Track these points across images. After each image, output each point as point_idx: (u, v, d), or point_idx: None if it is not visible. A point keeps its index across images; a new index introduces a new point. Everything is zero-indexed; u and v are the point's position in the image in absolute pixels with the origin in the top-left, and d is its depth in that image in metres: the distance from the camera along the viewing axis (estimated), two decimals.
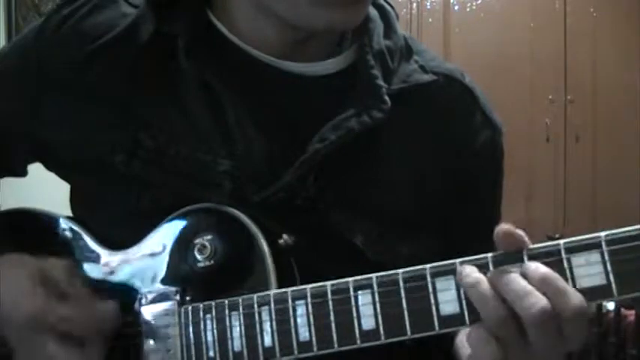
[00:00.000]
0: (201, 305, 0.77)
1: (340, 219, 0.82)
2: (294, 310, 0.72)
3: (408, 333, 0.68)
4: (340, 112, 0.81)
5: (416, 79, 0.86)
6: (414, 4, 3.78)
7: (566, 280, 0.64)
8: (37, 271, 0.80)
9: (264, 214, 0.79)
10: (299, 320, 0.71)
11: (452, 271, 0.67)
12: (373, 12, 0.87)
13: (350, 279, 0.70)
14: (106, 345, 0.80)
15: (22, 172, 0.97)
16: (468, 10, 3.81)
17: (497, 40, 3.74)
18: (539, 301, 0.62)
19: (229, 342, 0.75)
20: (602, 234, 0.63)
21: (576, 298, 0.63)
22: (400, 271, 0.68)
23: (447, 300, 0.67)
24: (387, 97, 0.82)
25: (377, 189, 0.84)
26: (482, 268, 0.66)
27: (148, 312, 0.80)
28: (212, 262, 0.78)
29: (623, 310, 2.64)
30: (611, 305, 2.65)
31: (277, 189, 0.80)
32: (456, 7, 3.82)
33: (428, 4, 3.81)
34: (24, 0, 3.31)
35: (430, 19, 3.81)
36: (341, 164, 0.81)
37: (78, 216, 0.91)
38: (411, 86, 0.85)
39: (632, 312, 2.58)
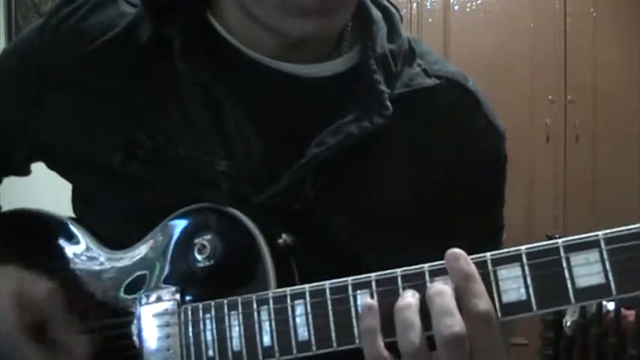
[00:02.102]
0: (200, 305, 0.77)
1: (339, 224, 0.81)
2: (293, 310, 0.72)
3: None
4: (340, 116, 0.80)
5: (419, 83, 0.85)
6: (414, 4, 3.79)
7: (564, 279, 0.64)
8: (18, 289, 0.80)
9: (263, 216, 0.78)
10: (298, 320, 0.71)
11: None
12: (377, 14, 0.87)
13: (349, 278, 0.70)
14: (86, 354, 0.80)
15: (25, 172, 0.97)
16: (467, 10, 3.81)
17: (498, 40, 3.74)
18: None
19: (228, 341, 0.75)
20: (601, 233, 0.63)
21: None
22: (398, 270, 0.68)
23: None
24: (388, 103, 0.81)
25: (377, 194, 0.83)
26: (480, 267, 0.66)
27: (148, 311, 0.80)
28: (212, 261, 0.78)
29: (623, 310, 2.64)
30: (611, 305, 2.65)
31: (275, 192, 0.79)
32: (456, 7, 3.82)
33: (428, 4, 3.82)
34: (24, 0, 3.31)
35: (430, 19, 3.81)
36: (340, 169, 0.81)
37: (79, 215, 0.91)
38: (414, 90, 0.84)
39: (632, 312, 2.58)
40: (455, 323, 0.63)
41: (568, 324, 2.76)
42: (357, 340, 0.69)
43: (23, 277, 0.81)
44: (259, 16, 0.77)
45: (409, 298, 0.66)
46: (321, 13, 0.75)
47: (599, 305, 2.61)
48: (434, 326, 0.64)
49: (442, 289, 0.65)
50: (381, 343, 0.66)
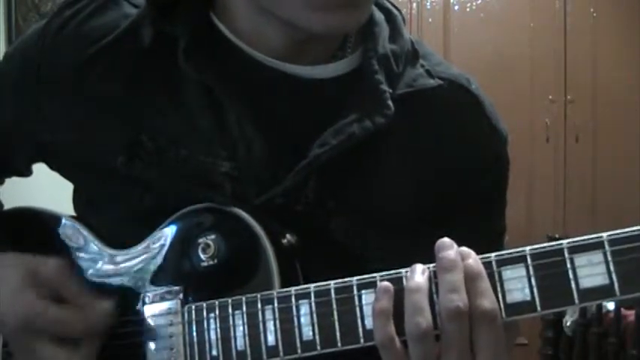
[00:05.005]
0: (204, 304, 0.77)
1: (341, 224, 0.81)
2: (298, 309, 0.72)
3: None
4: (342, 117, 0.80)
5: (421, 83, 0.85)
6: (414, 4, 3.79)
7: (569, 280, 0.64)
8: (28, 271, 0.81)
9: (265, 216, 0.78)
10: (302, 319, 0.71)
11: None
12: (379, 15, 0.87)
13: (354, 278, 0.70)
14: (102, 343, 0.80)
15: (26, 172, 0.97)
16: (467, 10, 3.82)
17: (497, 40, 3.75)
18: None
19: (232, 341, 0.75)
20: (605, 234, 0.64)
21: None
22: (403, 270, 0.69)
23: None
24: (390, 103, 0.81)
25: (378, 195, 0.83)
26: (485, 267, 0.66)
27: (151, 311, 0.80)
28: (215, 261, 0.78)
29: (623, 310, 2.64)
30: (611, 305, 2.65)
31: (277, 193, 0.79)
32: (456, 7, 3.82)
33: (428, 4, 3.82)
34: (24, 0, 3.32)
35: (430, 19, 3.82)
36: (342, 169, 0.81)
37: (80, 215, 0.91)
38: (416, 91, 0.84)
39: (632, 312, 2.59)
40: (460, 299, 0.65)
41: (568, 324, 2.76)
42: (361, 340, 0.69)
43: (33, 261, 0.82)
44: (279, 13, 0.77)
45: (419, 278, 0.67)
46: (345, 8, 0.75)
47: (599, 305, 2.61)
48: (440, 300, 0.66)
49: (453, 265, 0.66)
50: (392, 326, 0.67)
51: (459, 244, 0.68)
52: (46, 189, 1.32)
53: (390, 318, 0.67)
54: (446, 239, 0.68)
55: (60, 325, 0.79)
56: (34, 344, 0.79)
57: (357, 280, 0.70)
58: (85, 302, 0.80)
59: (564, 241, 0.65)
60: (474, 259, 0.67)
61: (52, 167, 0.91)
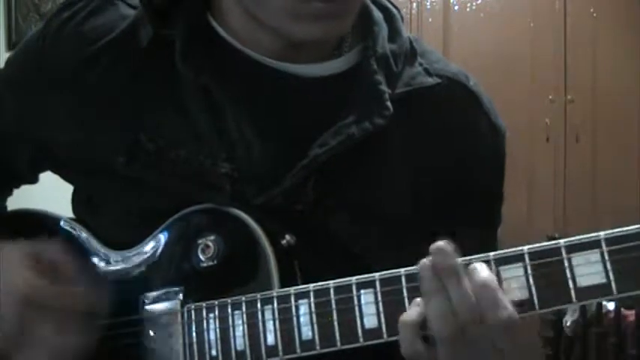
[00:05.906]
0: (204, 304, 0.77)
1: (340, 224, 0.82)
2: (297, 309, 0.72)
3: None
4: (341, 116, 0.81)
5: (420, 82, 0.85)
6: (414, 4, 3.78)
7: (566, 278, 0.64)
8: (28, 253, 0.80)
9: (265, 217, 0.79)
10: (302, 319, 0.72)
11: None
12: (378, 15, 0.87)
13: (353, 278, 0.71)
14: (100, 322, 0.80)
15: (30, 177, 0.97)
16: (467, 10, 3.81)
17: (497, 40, 3.74)
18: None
19: (232, 341, 0.75)
20: (602, 233, 0.64)
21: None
22: (402, 270, 0.69)
23: None
24: (389, 103, 0.81)
25: (378, 194, 0.83)
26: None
27: (151, 311, 0.80)
28: (215, 262, 0.78)
29: (623, 310, 2.64)
30: (611, 305, 2.65)
31: (277, 193, 0.80)
32: (456, 7, 3.82)
33: (428, 4, 3.81)
34: (24, 0, 3.32)
35: (430, 19, 3.81)
36: (341, 169, 0.81)
37: (80, 216, 0.91)
38: (414, 90, 0.84)
39: (632, 312, 2.58)
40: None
41: (568, 324, 2.76)
42: (360, 339, 0.69)
43: (33, 245, 0.82)
44: (264, 20, 0.77)
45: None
46: (329, 18, 0.75)
47: (599, 305, 2.61)
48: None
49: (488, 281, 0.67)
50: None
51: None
52: (45, 191, 1.32)
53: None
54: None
55: (62, 300, 0.78)
56: (34, 321, 0.78)
57: (356, 279, 0.70)
58: (82, 284, 0.80)
59: (562, 241, 0.65)
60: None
61: (52, 169, 0.91)
